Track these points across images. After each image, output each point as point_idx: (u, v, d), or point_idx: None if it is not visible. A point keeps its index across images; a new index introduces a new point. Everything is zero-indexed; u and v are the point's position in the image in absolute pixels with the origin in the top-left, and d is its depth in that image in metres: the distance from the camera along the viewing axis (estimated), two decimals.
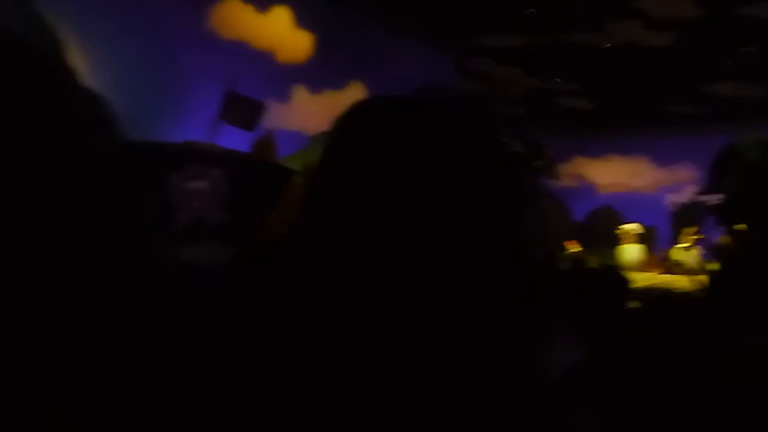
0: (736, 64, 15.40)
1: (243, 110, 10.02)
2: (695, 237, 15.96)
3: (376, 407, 0.76)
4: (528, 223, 0.87)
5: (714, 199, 6.96)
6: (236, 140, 9.92)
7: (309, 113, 12.90)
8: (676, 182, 20.67)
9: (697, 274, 15.09)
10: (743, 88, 16.26)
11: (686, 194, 19.20)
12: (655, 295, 12.27)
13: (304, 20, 13.41)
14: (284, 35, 13.18)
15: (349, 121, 0.96)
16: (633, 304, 12.28)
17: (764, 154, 5.90)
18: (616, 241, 16.92)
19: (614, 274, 10.15)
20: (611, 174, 21.98)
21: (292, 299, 0.82)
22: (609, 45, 15.91)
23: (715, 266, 9.31)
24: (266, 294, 0.87)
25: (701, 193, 9.14)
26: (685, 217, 17.63)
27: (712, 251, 8.22)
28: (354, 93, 14.54)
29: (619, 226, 16.76)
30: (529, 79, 18.80)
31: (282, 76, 13.04)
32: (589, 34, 15.18)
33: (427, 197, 0.85)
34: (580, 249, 17.09)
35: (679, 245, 15.79)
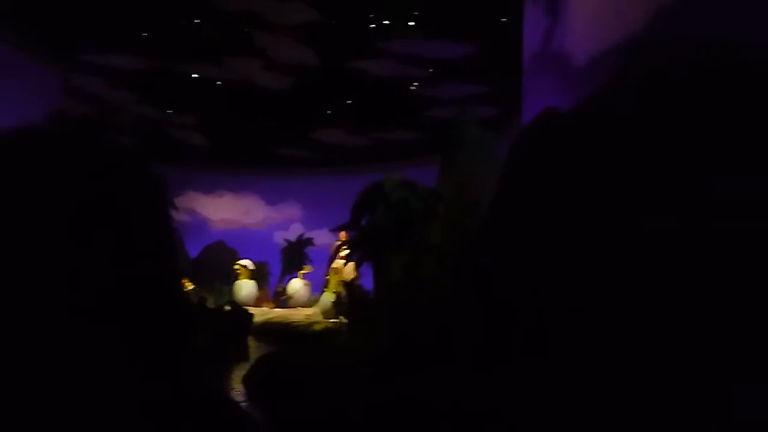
0: (338, 113, 17.07)
1: None
2: (306, 272, 17.00)
3: None
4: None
5: (352, 233, 7.24)
6: None
7: None
8: (284, 220, 21.89)
9: (307, 307, 16.07)
10: (344, 135, 18.08)
11: (293, 231, 20.41)
12: (274, 330, 12.47)
13: None
14: None
15: None
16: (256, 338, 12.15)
17: (405, 193, 6.42)
18: (230, 276, 16.99)
19: (239, 314, 10.05)
20: (224, 210, 22.16)
21: None
22: (220, 82, 16.09)
23: (329, 297, 9.70)
24: None
25: (338, 228, 9.64)
26: (293, 253, 18.67)
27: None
28: None
29: (236, 262, 16.88)
30: (141, 107, 17.78)
31: None
32: (208, 66, 15.08)
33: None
34: (193, 286, 16.57)
35: (295, 279, 16.59)
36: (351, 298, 8.37)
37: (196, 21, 14.07)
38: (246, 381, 5.88)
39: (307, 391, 4.32)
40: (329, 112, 17.32)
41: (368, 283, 10.06)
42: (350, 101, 16.31)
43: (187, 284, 15.86)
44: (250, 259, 17.45)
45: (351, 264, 14.63)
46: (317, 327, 10.67)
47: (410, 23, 12.85)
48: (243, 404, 4.99)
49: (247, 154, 20.53)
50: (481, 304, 4.04)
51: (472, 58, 13.18)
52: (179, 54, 14.92)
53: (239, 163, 21.21)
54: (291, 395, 4.31)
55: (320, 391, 4.32)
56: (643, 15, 4.73)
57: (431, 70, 14.15)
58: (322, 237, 18.93)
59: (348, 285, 8.41)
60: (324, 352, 7.09)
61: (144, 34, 14.95)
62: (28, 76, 13.51)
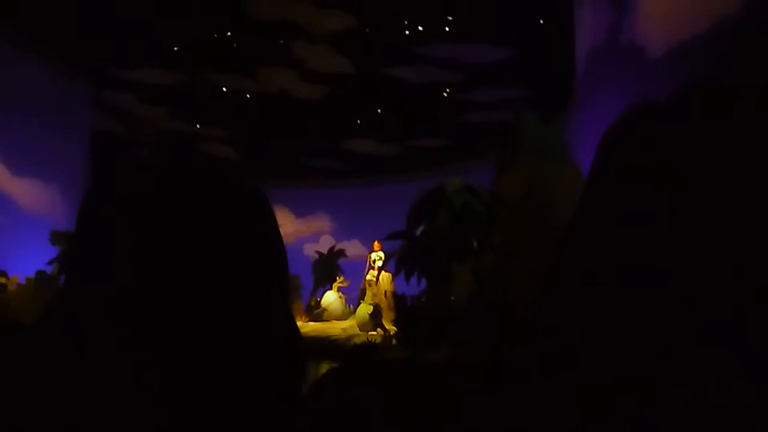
0: (369, 122, 16.91)
1: None
2: (341, 284, 16.76)
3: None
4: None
5: (407, 241, 6.99)
6: None
7: None
8: (313, 232, 21.67)
9: (342, 320, 15.82)
10: (374, 144, 17.89)
11: (323, 244, 20.20)
12: (312, 344, 12.28)
13: None
14: None
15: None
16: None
17: (468, 197, 6.18)
18: None
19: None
20: None
21: None
22: (249, 95, 16.00)
23: (366, 309, 9.38)
24: None
25: (390, 236, 9.39)
26: (326, 265, 18.44)
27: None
28: None
29: None
30: (171, 122, 17.74)
31: None
32: (241, 78, 15.00)
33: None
34: None
35: (329, 292, 16.36)
36: (401, 310, 8.07)
37: (227, 33, 14.02)
38: (315, 400, 5.63)
39: (397, 411, 4.08)
40: (359, 121, 17.16)
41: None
42: (381, 110, 16.14)
43: None
44: None
45: (387, 275, 14.39)
46: (357, 340, 10.42)
47: (445, 28, 12.69)
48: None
49: (275, 167, 20.41)
50: (580, 316, 3.77)
51: (509, 61, 12.96)
52: (211, 67, 14.86)
53: (267, 175, 21.10)
54: (378, 417, 4.08)
55: (412, 410, 4.07)
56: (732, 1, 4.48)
57: (465, 74, 13.95)
58: (352, 249, 18.71)
59: (397, 297, 8.12)
60: (386, 368, 6.83)
61: (175, 48, 14.94)
62: (60, 92, 13.50)
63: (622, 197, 3.67)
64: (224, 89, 16.07)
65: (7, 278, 10.07)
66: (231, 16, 12.84)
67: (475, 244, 6.22)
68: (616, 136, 3.94)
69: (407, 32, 12.96)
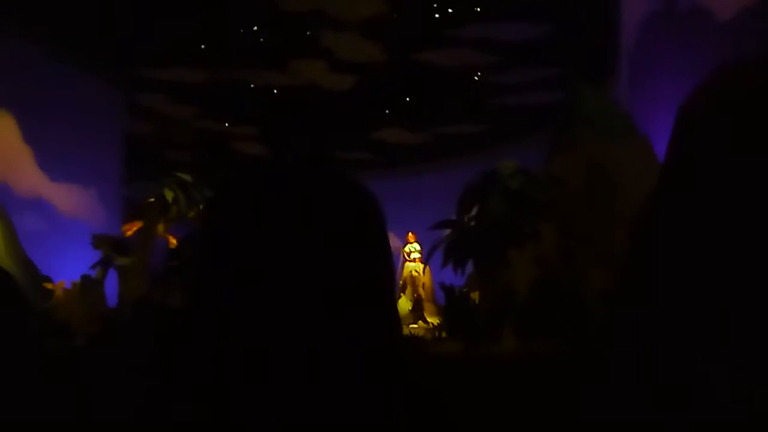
0: (398, 110, 16.67)
1: None
2: None
3: None
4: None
5: (452, 230, 6.74)
6: None
7: None
8: None
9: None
10: (404, 133, 17.64)
11: None
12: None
13: None
14: None
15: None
16: None
17: (524, 180, 5.95)
18: None
19: None
20: None
21: None
22: (277, 90, 15.85)
23: (405, 303, 9.08)
24: None
25: (438, 225, 9.20)
26: None
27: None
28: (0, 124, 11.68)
29: None
30: (201, 121, 17.69)
31: None
32: (269, 72, 14.86)
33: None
34: None
35: None
36: (452, 302, 7.84)
37: (254, 28, 13.88)
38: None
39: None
40: (388, 111, 16.92)
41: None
42: (411, 97, 15.89)
43: None
44: None
45: (424, 267, 14.16)
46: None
47: (476, 9, 12.40)
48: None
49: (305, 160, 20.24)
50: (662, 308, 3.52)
51: (544, 38, 12.61)
52: (239, 63, 14.75)
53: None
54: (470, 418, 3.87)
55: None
56: None
57: (499, 55, 13.62)
58: None
59: (446, 288, 7.90)
60: (443, 362, 6.68)
61: (202, 46, 14.85)
62: (93, 97, 13.51)
63: (713, 175, 3.36)
64: (252, 85, 15.96)
65: (53, 284, 10.10)
66: (258, 9, 12.69)
67: (532, 229, 5.98)
68: (701, 107, 3.65)
69: (437, 15, 12.69)
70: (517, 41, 12.91)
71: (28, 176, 11.72)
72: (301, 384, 0.86)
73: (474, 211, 6.63)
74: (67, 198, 12.46)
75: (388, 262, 0.99)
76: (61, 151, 12.40)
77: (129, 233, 11.75)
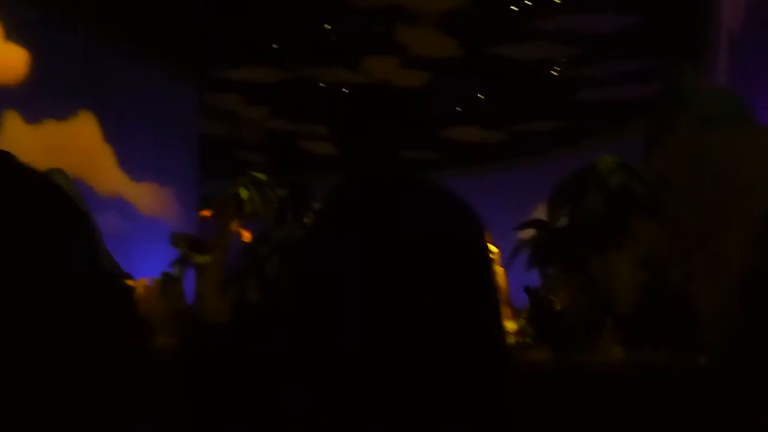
0: (472, 108, 16.25)
1: None
2: None
3: None
4: None
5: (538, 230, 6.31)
6: None
7: (24, 147, 10.09)
8: None
9: None
10: (479, 131, 17.20)
11: None
12: None
13: (15, 32, 10.56)
14: None
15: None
16: None
17: (626, 177, 5.52)
18: None
19: None
20: None
21: None
22: (347, 89, 15.71)
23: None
24: None
25: (523, 226, 8.81)
26: None
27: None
28: (83, 124, 11.94)
29: None
30: (274, 121, 17.77)
31: None
32: (341, 70, 14.74)
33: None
34: None
35: None
36: (539, 307, 7.43)
37: (327, 26, 13.78)
38: None
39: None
40: (460, 108, 16.55)
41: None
42: (486, 93, 15.46)
43: None
44: None
45: (499, 269, 13.75)
46: None
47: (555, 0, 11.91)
48: None
49: (374, 160, 20.08)
50: None
51: (629, 28, 11.99)
52: (310, 62, 14.69)
53: (364, 170, 20.80)
54: None
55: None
56: None
57: (580, 48, 13.06)
58: None
59: (531, 291, 7.50)
60: (535, 370, 6.29)
61: (274, 45, 14.87)
62: (170, 98, 13.70)
63: None
64: (322, 84, 15.89)
65: (134, 281, 10.23)
66: (331, 6, 12.57)
67: (633, 229, 5.55)
68: None
69: (515, 7, 12.26)
70: (601, 32, 12.33)
71: (109, 176, 11.95)
72: (418, 392, 0.85)
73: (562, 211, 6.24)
74: (146, 197, 12.66)
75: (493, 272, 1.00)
76: (140, 151, 12.61)
77: (205, 215, 11.99)
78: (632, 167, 5.82)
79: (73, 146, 11.24)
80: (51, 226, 0.79)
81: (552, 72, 14.50)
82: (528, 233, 7.98)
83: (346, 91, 16.32)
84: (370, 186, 0.99)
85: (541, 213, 11.19)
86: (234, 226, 12.54)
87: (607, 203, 5.57)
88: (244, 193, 12.33)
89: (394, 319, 0.87)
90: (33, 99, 10.70)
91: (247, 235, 12.34)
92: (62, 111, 11.34)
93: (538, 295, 7.66)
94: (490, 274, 0.98)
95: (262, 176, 12.96)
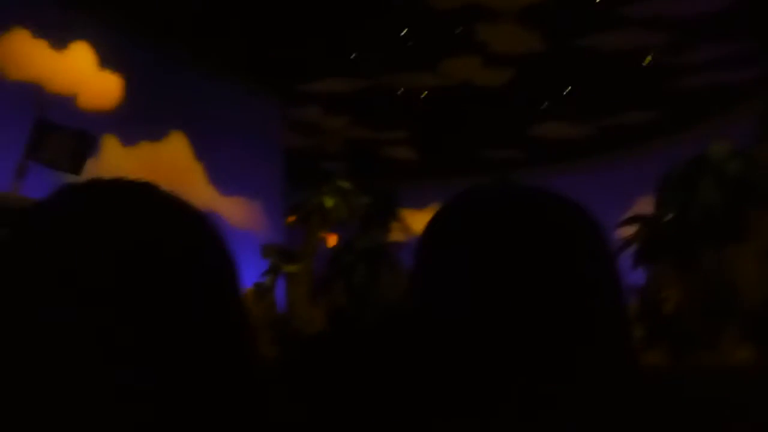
0: (557, 103, 15.75)
1: (62, 145, 7.33)
2: None
3: None
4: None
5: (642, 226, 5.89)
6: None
7: (123, 169, 10.52)
8: None
9: None
10: (565, 127, 16.66)
11: None
12: None
13: (109, 59, 11.03)
14: (86, 77, 10.68)
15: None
16: None
17: (743, 165, 5.09)
18: None
19: None
20: None
21: None
22: (426, 92, 15.56)
23: None
24: None
25: (626, 221, 8.40)
26: None
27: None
28: (174, 143, 12.35)
29: None
30: (354, 129, 17.84)
31: (87, 126, 10.51)
32: (420, 75, 14.61)
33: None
34: None
35: None
36: (649, 308, 6.99)
37: (404, 30, 13.70)
38: None
39: None
40: (546, 103, 16.06)
41: None
42: (572, 88, 14.93)
43: None
44: None
45: None
46: None
47: None
48: None
49: (457, 162, 19.80)
50: None
51: (726, 10, 11.28)
52: (389, 69, 14.64)
53: (450, 172, 20.56)
54: None
55: None
56: None
57: (673, 34, 12.39)
58: None
59: (642, 291, 7.09)
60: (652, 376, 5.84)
61: (352, 55, 14.92)
62: (254, 111, 13.99)
63: None
64: (402, 89, 15.81)
65: None
66: (407, 11, 12.47)
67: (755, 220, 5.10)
68: None
69: None
70: (694, 16, 11.66)
71: (202, 191, 12.30)
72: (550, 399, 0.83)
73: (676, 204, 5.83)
74: (236, 210, 12.95)
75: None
76: (229, 167, 12.93)
77: (291, 221, 12.21)
78: (749, 154, 5.37)
79: (167, 165, 11.62)
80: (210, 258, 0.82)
81: (643, 60, 13.83)
82: (630, 230, 7.57)
83: (426, 94, 16.18)
84: (482, 197, 0.98)
85: (639, 209, 10.65)
86: (321, 234, 12.65)
87: (723, 194, 5.15)
88: (328, 202, 12.41)
89: (522, 330, 0.85)
90: (128, 123, 11.14)
91: (332, 240, 12.43)
92: (155, 133, 11.76)
93: (646, 293, 7.22)
94: (617, 272, 0.95)
95: (346, 184, 13.02)
